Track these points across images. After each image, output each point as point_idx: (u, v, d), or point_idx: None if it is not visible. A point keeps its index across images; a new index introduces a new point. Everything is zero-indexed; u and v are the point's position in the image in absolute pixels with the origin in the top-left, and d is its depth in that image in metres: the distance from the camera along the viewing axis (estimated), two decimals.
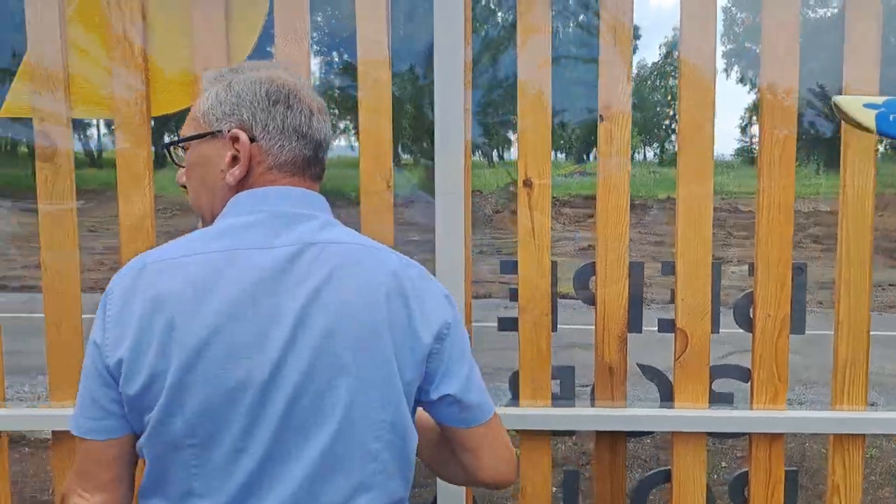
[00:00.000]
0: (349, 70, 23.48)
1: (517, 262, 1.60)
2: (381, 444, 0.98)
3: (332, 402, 0.95)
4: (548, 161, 1.59)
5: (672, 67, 34.50)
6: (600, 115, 1.58)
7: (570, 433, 1.73)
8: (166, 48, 1.57)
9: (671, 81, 34.36)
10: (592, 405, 1.63)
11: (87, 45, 1.58)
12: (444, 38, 1.52)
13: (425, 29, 1.57)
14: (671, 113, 35.20)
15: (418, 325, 1.00)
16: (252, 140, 1.00)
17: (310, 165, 1.04)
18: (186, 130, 1.06)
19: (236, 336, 0.92)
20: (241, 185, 1.01)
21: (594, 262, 1.60)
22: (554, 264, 1.60)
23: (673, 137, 37.06)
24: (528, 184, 1.58)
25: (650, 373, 1.68)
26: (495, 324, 1.64)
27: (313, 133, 1.03)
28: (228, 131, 1.00)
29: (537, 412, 1.59)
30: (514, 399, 1.63)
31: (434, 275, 1.55)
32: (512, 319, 1.61)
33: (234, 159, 1.00)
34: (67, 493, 0.99)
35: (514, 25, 1.57)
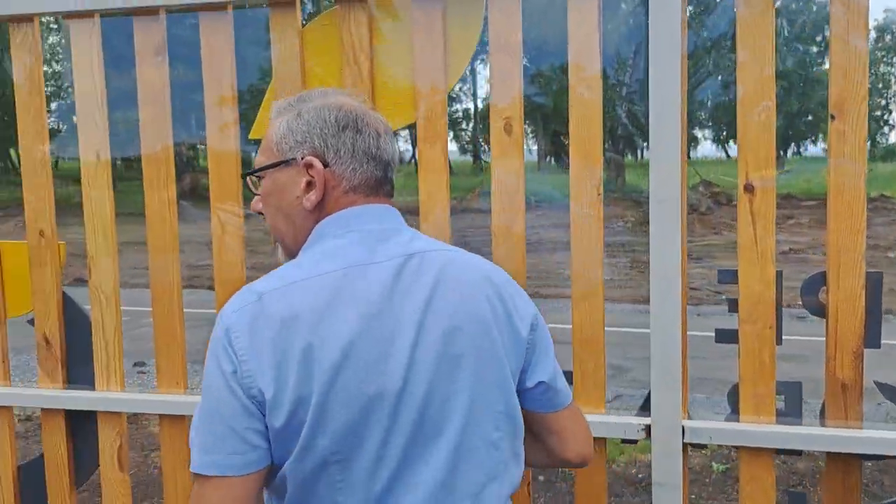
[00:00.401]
0: (537, 78, 23.65)
1: (736, 271, 1.53)
2: (500, 433, 1.05)
3: (457, 401, 1.00)
4: (772, 163, 1.51)
5: (883, 52, 31.10)
6: (831, 115, 1.47)
7: (797, 453, 1.61)
8: (390, 68, 1.68)
9: (882, 68, 31.00)
10: (822, 424, 1.52)
11: (321, 70, 1.72)
12: (661, 29, 1.48)
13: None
14: (883, 103, 31.73)
15: (516, 320, 1.08)
16: (325, 165, 1.05)
17: (382, 185, 1.09)
18: (261, 160, 1.10)
19: (367, 350, 0.96)
20: (318, 208, 1.06)
21: (825, 272, 1.50)
22: (779, 274, 1.51)
23: (885, 129, 33.39)
24: (749, 188, 1.51)
25: (889, 392, 1.54)
26: (703, 332, 1.56)
27: (382, 154, 1.09)
28: (302, 158, 1.05)
29: (761, 429, 1.51)
30: (734, 413, 1.55)
31: (648, 282, 1.53)
32: (731, 331, 1.54)
33: (310, 185, 1.05)
34: None
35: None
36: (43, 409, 1.96)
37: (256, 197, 1.13)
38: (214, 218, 1.79)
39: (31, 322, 1.95)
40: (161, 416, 1.87)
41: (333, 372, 0.95)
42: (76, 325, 1.94)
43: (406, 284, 1.01)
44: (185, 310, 1.86)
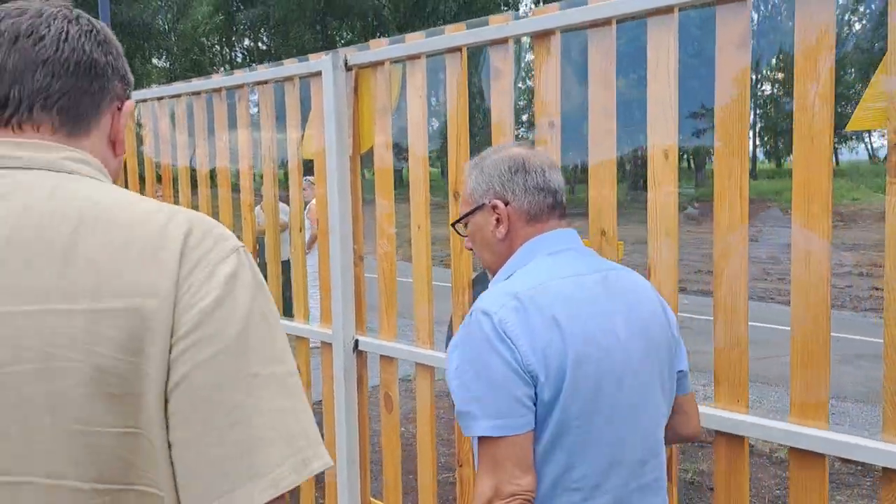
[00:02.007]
0: None
1: None
2: (666, 410, 1.42)
3: (653, 385, 1.36)
4: None
5: None
6: None
7: None
8: None
9: None
10: None
11: None
12: None
13: None
14: None
15: (672, 324, 1.45)
16: (506, 204, 1.41)
17: (554, 209, 1.42)
18: (461, 210, 1.49)
19: (601, 340, 1.28)
20: (508, 237, 1.41)
21: None
22: None
23: None
24: None
25: None
26: None
27: (549, 184, 1.41)
28: (489, 202, 1.42)
29: None
30: None
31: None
32: None
33: (498, 221, 1.41)
34: (498, 489, 1.22)
35: None
36: None
37: (466, 239, 1.52)
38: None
39: None
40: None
41: (583, 357, 1.26)
42: None
43: (611, 293, 1.35)
44: None
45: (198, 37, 31.03)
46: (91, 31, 0.87)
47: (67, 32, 0.84)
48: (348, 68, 2.57)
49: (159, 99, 3.48)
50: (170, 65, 29.89)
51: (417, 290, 2.43)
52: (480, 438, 1.24)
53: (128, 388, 0.71)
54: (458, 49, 2.20)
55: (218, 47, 33.42)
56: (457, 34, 2.18)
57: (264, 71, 2.88)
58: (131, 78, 0.94)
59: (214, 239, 0.78)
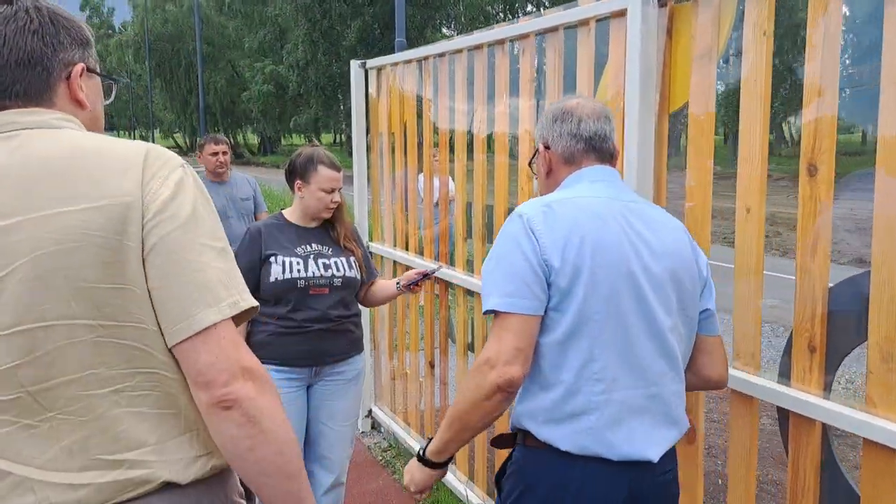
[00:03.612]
0: None
1: None
2: (686, 331, 1.55)
3: (671, 312, 1.49)
4: None
5: None
6: None
7: None
8: None
9: None
10: None
11: None
12: None
13: None
14: None
15: (700, 261, 1.59)
16: (547, 148, 1.63)
17: (587, 153, 1.59)
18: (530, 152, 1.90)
19: (621, 252, 1.44)
20: (552, 176, 1.64)
21: None
22: None
23: None
24: None
25: None
26: None
27: (581, 133, 1.59)
28: (540, 146, 1.65)
29: None
30: None
31: None
32: None
33: (544, 161, 1.65)
34: (498, 355, 1.39)
35: None
36: None
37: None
38: None
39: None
40: None
41: (601, 259, 1.42)
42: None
43: (640, 218, 1.52)
44: None
45: (483, 5, 31.80)
46: (26, 24, 1.10)
47: (5, 35, 1.09)
48: (662, 3, 2.01)
49: (440, 55, 3.22)
50: (457, 34, 31.07)
51: (741, 292, 1.84)
52: (495, 313, 1.42)
53: (116, 257, 1.03)
54: None
55: (502, 15, 33.96)
56: None
57: (553, 15, 2.43)
58: (83, 37, 1.18)
59: (162, 160, 1.10)
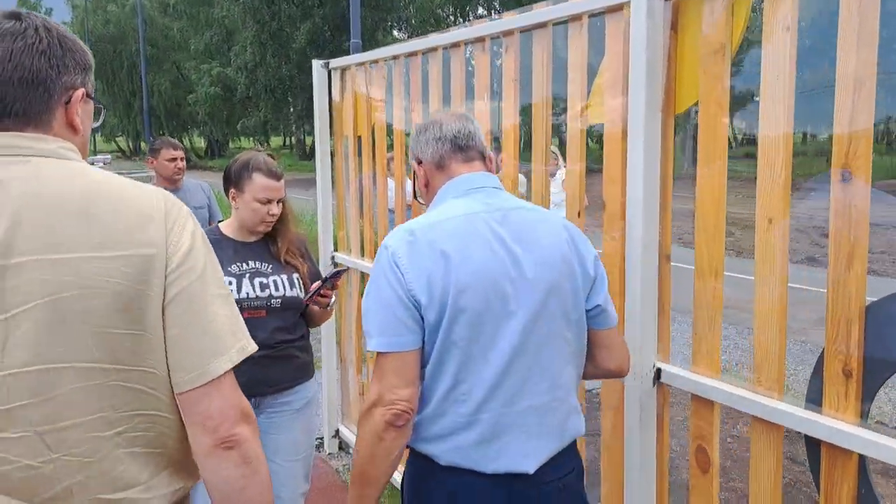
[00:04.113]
0: None
1: None
2: (571, 334, 1.54)
3: (554, 319, 1.51)
4: None
5: None
6: None
7: None
8: None
9: None
10: None
11: None
12: None
13: None
14: None
15: (587, 262, 1.57)
16: (420, 162, 1.67)
17: (454, 153, 1.61)
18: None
19: (488, 272, 1.45)
20: (430, 189, 1.65)
21: None
22: None
23: None
24: None
25: None
26: None
27: (444, 133, 1.62)
28: (413, 164, 1.69)
29: None
30: None
31: None
32: None
33: (420, 178, 1.67)
34: (380, 395, 1.41)
35: None
36: None
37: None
38: None
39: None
40: None
41: (466, 286, 1.42)
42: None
43: (511, 229, 1.50)
44: None
45: (434, 8, 31.65)
46: (35, 43, 1.09)
47: (12, 52, 1.08)
48: None
49: (411, 55, 3.01)
50: (408, 37, 30.85)
51: (761, 310, 1.68)
52: (377, 353, 1.44)
53: (136, 304, 1.07)
54: None
55: (452, 18, 33.87)
56: None
57: (541, 10, 2.25)
58: (86, 61, 1.17)
59: (178, 208, 1.16)
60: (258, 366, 2.30)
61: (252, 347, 1.19)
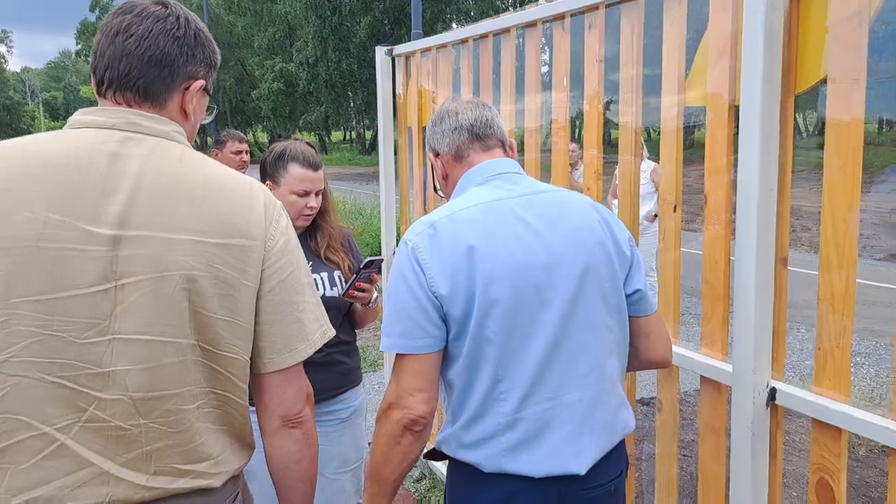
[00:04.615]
0: None
1: None
2: (613, 322, 1.44)
3: (592, 305, 1.39)
4: None
5: None
6: None
7: None
8: None
9: None
10: None
11: None
12: None
13: None
14: None
15: (621, 243, 1.46)
16: (437, 154, 1.58)
17: (472, 142, 1.52)
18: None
19: (516, 261, 1.34)
20: (449, 182, 1.57)
21: None
22: None
23: None
24: None
25: None
26: None
27: (461, 122, 1.52)
28: (430, 160, 1.61)
29: None
30: None
31: None
32: None
33: (438, 171, 1.59)
34: (398, 397, 1.37)
35: None
36: None
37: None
38: None
39: None
40: None
41: (493, 276, 1.33)
42: None
43: (537, 214, 1.40)
44: None
45: (494, 0, 31.28)
46: (173, 28, 1.18)
47: (150, 31, 1.16)
48: None
49: (481, 37, 2.80)
50: None
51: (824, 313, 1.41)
52: (395, 354, 1.38)
53: (230, 292, 1.13)
54: None
55: (511, 9, 33.48)
56: None
57: None
58: (213, 60, 1.26)
59: (273, 202, 1.22)
60: None
61: (331, 332, 1.28)
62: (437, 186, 1.63)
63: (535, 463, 1.36)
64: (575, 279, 1.37)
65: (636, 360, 1.54)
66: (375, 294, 2.20)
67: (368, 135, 44.96)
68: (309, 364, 2.22)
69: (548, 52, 2.49)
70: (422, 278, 1.35)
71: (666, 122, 1.95)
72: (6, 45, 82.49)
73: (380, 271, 2.16)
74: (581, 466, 1.37)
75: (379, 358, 5.56)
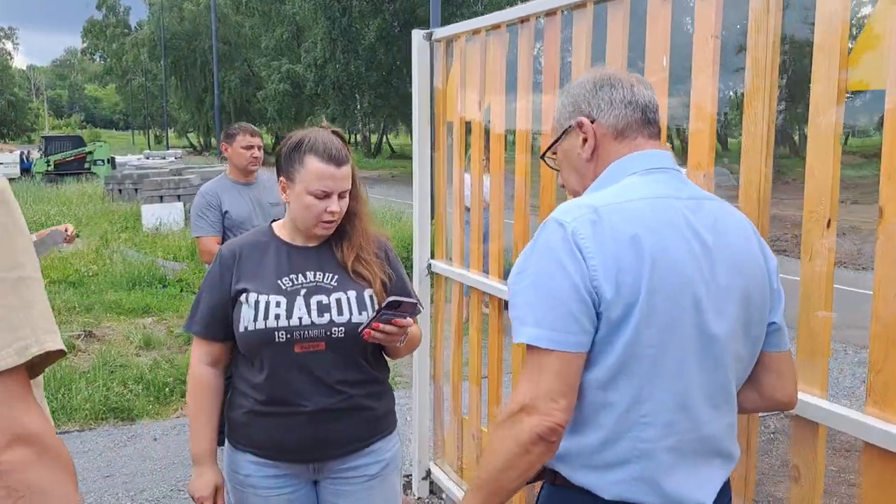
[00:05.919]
0: None
1: None
2: (748, 350, 1.32)
3: (735, 331, 1.26)
4: None
5: None
6: None
7: None
8: None
9: None
10: None
11: None
12: None
13: None
14: None
15: (770, 267, 1.33)
16: (592, 121, 1.33)
17: (644, 125, 1.32)
18: (548, 141, 1.45)
19: (683, 269, 1.19)
20: (595, 156, 1.33)
21: None
22: None
23: None
24: None
25: None
26: None
27: (637, 98, 1.32)
28: (574, 123, 1.34)
29: None
30: None
31: None
32: None
33: (585, 140, 1.33)
34: (534, 400, 1.17)
35: None
36: None
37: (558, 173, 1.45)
38: None
39: None
40: None
41: (660, 281, 1.17)
42: None
43: (705, 222, 1.24)
44: None
45: (503, 4, 30.97)
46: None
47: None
48: None
49: (549, 14, 2.36)
50: None
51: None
52: (529, 346, 1.18)
53: None
54: None
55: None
56: None
57: None
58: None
59: None
60: (315, 422, 1.68)
61: (38, 349, 0.87)
62: (557, 163, 1.42)
63: (661, 496, 1.23)
64: (733, 304, 1.24)
65: (760, 398, 1.38)
66: (404, 337, 1.72)
67: (374, 138, 44.61)
68: (326, 411, 1.68)
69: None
70: (583, 268, 1.16)
71: (814, 118, 1.51)
72: (12, 42, 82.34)
73: (413, 315, 1.68)
74: (708, 496, 1.26)
75: (406, 378, 5.07)
